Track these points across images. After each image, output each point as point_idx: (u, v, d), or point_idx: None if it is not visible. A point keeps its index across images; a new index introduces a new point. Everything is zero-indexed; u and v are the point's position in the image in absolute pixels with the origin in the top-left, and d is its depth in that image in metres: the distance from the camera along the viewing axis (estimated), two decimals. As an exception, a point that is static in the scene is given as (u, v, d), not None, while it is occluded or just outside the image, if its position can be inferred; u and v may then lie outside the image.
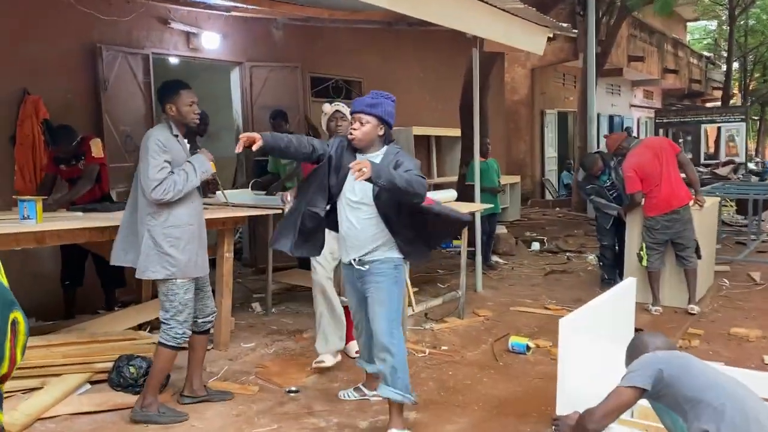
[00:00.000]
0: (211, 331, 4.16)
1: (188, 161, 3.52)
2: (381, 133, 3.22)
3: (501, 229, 8.93)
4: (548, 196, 15.76)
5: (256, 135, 3.13)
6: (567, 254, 8.95)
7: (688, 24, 29.32)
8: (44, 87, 5.58)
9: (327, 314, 4.37)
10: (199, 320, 3.78)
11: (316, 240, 3.48)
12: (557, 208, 13.83)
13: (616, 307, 3.34)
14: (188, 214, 3.56)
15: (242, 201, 5.88)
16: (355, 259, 3.32)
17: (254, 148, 3.14)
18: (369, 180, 2.90)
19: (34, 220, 3.80)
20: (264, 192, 6.35)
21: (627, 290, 3.49)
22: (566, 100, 16.87)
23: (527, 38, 5.86)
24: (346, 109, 3.99)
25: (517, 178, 12.36)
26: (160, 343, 3.61)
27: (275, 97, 7.50)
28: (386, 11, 6.64)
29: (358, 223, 3.26)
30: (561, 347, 2.94)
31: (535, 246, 9.39)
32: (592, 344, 3.12)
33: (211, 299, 3.86)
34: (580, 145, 13.05)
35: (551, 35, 6.24)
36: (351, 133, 3.23)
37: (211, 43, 7.00)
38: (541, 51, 6.08)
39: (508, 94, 14.71)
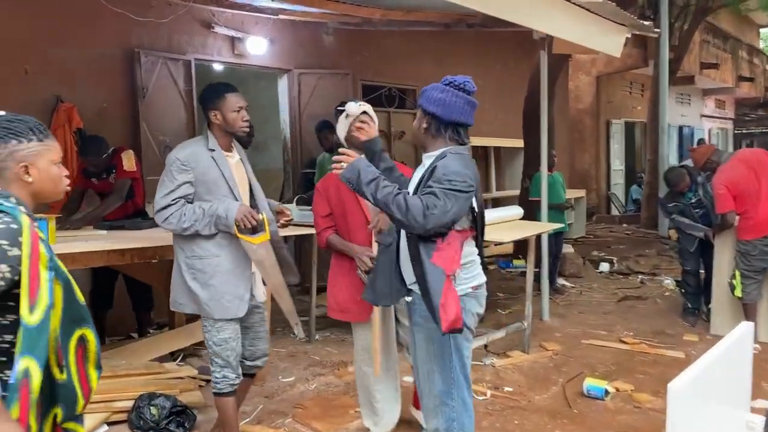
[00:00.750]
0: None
1: (217, 204, 2.95)
2: (425, 125, 2.58)
3: (567, 248, 8.22)
4: (614, 211, 14.86)
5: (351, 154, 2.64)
6: (640, 277, 8.18)
7: (761, 30, 27.72)
8: (78, 94, 5.26)
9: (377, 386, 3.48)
10: (248, 363, 3.23)
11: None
12: (624, 225, 12.95)
13: (732, 361, 2.67)
14: (216, 244, 3.00)
15: None
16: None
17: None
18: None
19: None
20: (310, 208, 5.89)
21: (743, 340, 2.81)
22: (633, 110, 15.95)
23: (604, 38, 5.21)
24: (372, 112, 3.30)
25: (581, 192, 11.58)
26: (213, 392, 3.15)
27: (324, 105, 7.03)
28: (443, 11, 6.12)
29: (403, 243, 2.68)
30: (670, 420, 2.29)
31: (604, 267, 8.64)
32: (704, 409, 2.46)
33: (264, 340, 3.26)
34: (650, 158, 12.18)
35: (629, 35, 5.56)
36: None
37: (258, 48, 6.58)
38: (619, 53, 5.41)
39: (572, 103, 13.93)
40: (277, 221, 3.17)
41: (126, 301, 5.09)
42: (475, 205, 2.55)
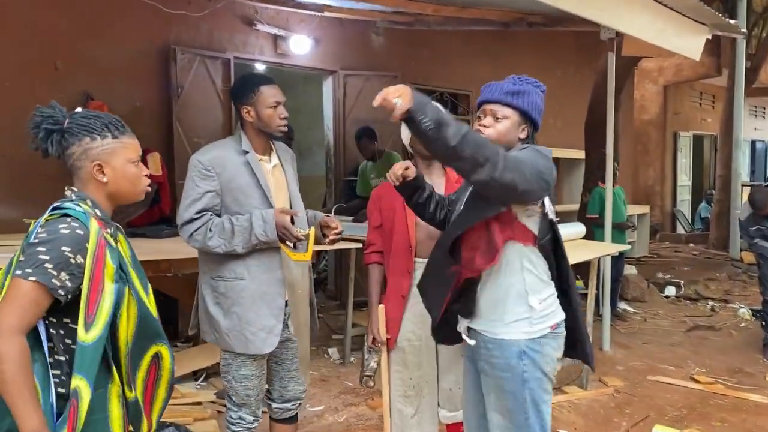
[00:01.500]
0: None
1: (249, 215, 2.51)
2: (523, 135, 2.14)
3: (630, 270, 7.57)
4: (680, 230, 13.97)
5: (410, 164, 2.29)
6: (710, 303, 7.47)
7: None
8: (110, 92, 4.98)
9: None
10: (275, 405, 2.79)
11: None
12: (691, 244, 12.10)
13: None
14: (243, 264, 2.56)
15: None
16: (463, 327, 2.24)
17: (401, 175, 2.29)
18: (406, 117, 1.84)
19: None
20: (351, 218, 5.48)
21: None
22: (703, 122, 15.03)
23: (682, 39, 4.64)
24: None
25: (645, 209, 10.84)
26: None
27: (370, 110, 6.51)
28: (502, 9, 5.62)
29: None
30: None
31: (670, 291, 7.94)
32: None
33: (298, 380, 2.79)
34: (721, 174, 11.34)
35: (709, 36, 4.96)
36: (479, 131, 2.15)
37: (302, 47, 6.22)
38: (698, 55, 4.83)
39: (637, 113, 13.16)
40: (324, 236, 2.65)
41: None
42: (548, 208, 2.08)
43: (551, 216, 2.09)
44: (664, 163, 13.92)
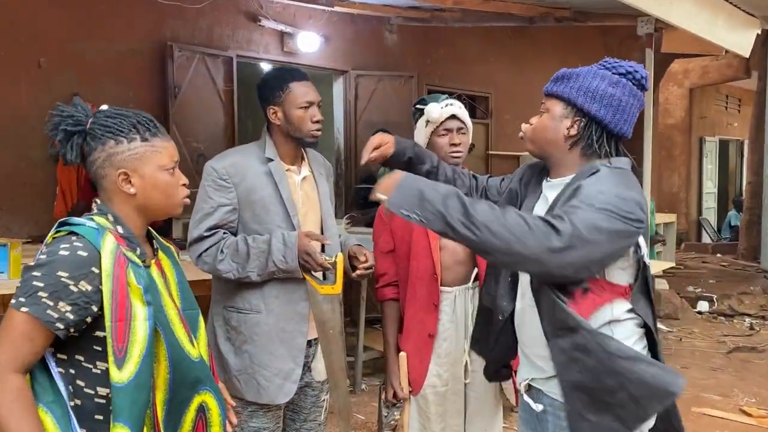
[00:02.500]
0: None
1: (270, 236, 2.11)
2: (572, 131, 1.63)
3: (661, 284, 7.07)
4: (706, 239, 13.41)
5: (387, 138, 1.97)
6: (747, 320, 6.94)
7: None
8: (100, 93, 4.58)
9: None
10: None
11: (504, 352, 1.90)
12: (718, 255, 11.54)
13: None
14: (260, 294, 2.15)
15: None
16: (523, 384, 1.77)
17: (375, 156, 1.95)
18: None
19: (6, 274, 2.60)
20: (363, 231, 5.03)
21: None
22: (729, 127, 14.48)
23: (733, 32, 4.16)
24: (466, 114, 2.40)
25: (671, 217, 10.29)
26: None
27: (383, 112, 6.19)
28: (526, 3, 5.17)
29: (524, 306, 1.72)
30: None
31: (703, 306, 7.41)
32: None
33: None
34: (750, 181, 10.82)
35: (759, 31, 4.49)
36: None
37: (310, 45, 5.79)
38: (748, 51, 4.35)
39: (661, 117, 12.64)
40: (353, 268, 2.21)
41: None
42: (643, 249, 1.60)
43: (646, 259, 1.62)
44: (690, 170, 13.40)
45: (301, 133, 2.16)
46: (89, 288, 1.33)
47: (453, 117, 2.32)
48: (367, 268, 2.18)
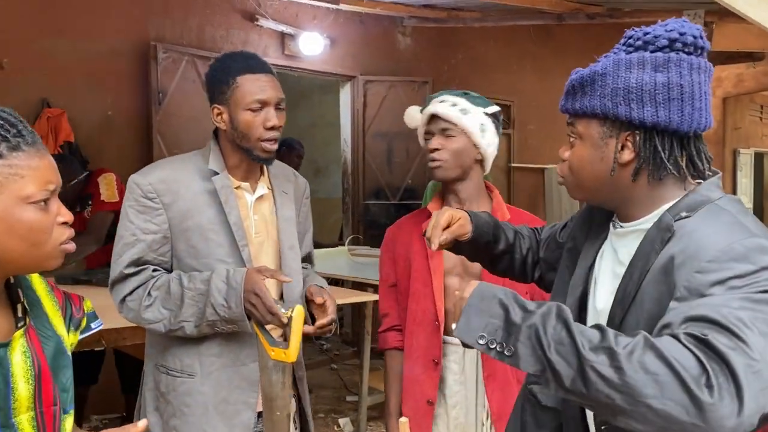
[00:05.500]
0: None
1: (211, 273, 1.61)
2: (625, 156, 1.10)
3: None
4: (740, 257, 12.69)
5: (459, 214, 1.40)
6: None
7: None
8: (72, 98, 4.10)
9: None
10: None
11: None
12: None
13: None
14: (196, 351, 1.66)
15: (332, 270, 4.12)
16: None
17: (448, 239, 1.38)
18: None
19: None
20: (368, 256, 4.47)
21: None
22: (765, 138, 13.76)
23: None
24: (454, 112, 1.82)
25: (706, 235, 9.63)
26: None
27: (395, 121, 5.61)
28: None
29: None
30: None
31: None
32: None
33: None
34: (790, 195, 10.11)
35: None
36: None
37: (313, 47, 5.25)
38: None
39: (692, 129, 11.98)
40: (312, 318, 1.68)
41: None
42: None
43: None
44: (723, 183, 12.67)
45: (249, 143, 1.64)
46: None
47: (435, 117, 1.81)
48: (324, 325, 1.64)
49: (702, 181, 1.10)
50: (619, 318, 1.07)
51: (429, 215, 1.85)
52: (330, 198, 7.01)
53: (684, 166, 1.09)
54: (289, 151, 4.68)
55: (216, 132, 1.75)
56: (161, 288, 1.62)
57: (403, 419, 1.81)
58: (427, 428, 1.80)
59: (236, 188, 1.70)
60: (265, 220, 1.74)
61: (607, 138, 1.09)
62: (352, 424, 4.14)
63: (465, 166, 1.82)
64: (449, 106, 1.81)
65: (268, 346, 1.56)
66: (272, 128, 1.64)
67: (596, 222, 1.23)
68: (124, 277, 1.63)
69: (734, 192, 13.10)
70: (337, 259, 4.47)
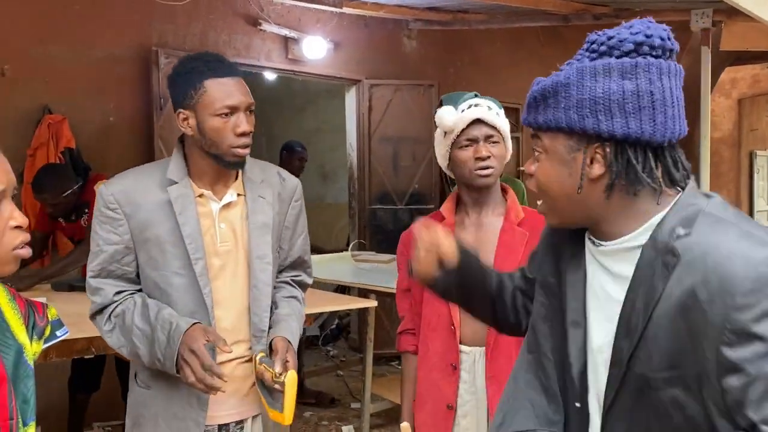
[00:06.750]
0: None
1: (161, 317, 1.57)
2: (595, 171, 1.02)
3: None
4: (757, 261, 12.49)
5: (446, 243, 1.28)
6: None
7: None
8: (74, 104, 4.09)
9: None
10: None
11: None
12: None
13: None
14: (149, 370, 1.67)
15: (335, 276, 4.07)
16: None
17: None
18: None
19: None
20: (373, 260, 4.42)
21: None
22: (780, 140, 13.55)
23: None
24: (498, 118, 1.78)
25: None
26: None
27: (401, 125, 5.59)
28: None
29: None
30: None
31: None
32: None
33: None
34: (808, 198, 9.92)
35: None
36: None
37: (318, 51, 5.22)
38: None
39: (707, 131, 11.83)
40: (270, 375, 1.59)
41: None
42: None
43: None
44: (739, 186, 12.52)
45: (219, 150, 1.58)
46: None
47: (478, 122, 1.73)
48: (279, 379, 1.55)
49: (679, 189, 1.03)
50: (627, 353, 0.99)
51: (442, 218, 1.82)
52: (338, 203, 6.95)
53: (660, 178, 1.01)
54: (289, 155, 4.65)
55: (182, 138, 1.69)
56: (119, 316, 1.61)
57: (405, 424, 1.78)
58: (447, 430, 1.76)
59: (198, 197, 1.64)
60: (234, 228, 1.68)
61: (574, 152, 1.02)
62: (354, 430, 4.09)
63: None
64: (486, 110, 1.75)
65: (268, 408, 1.59)
66: (243, 134, 1.59)
67: (564, 245, 1.14)
68: (92, 291, 1.64)
69: (751, 195, 12.92)
70: (341, 265, 4.43)
